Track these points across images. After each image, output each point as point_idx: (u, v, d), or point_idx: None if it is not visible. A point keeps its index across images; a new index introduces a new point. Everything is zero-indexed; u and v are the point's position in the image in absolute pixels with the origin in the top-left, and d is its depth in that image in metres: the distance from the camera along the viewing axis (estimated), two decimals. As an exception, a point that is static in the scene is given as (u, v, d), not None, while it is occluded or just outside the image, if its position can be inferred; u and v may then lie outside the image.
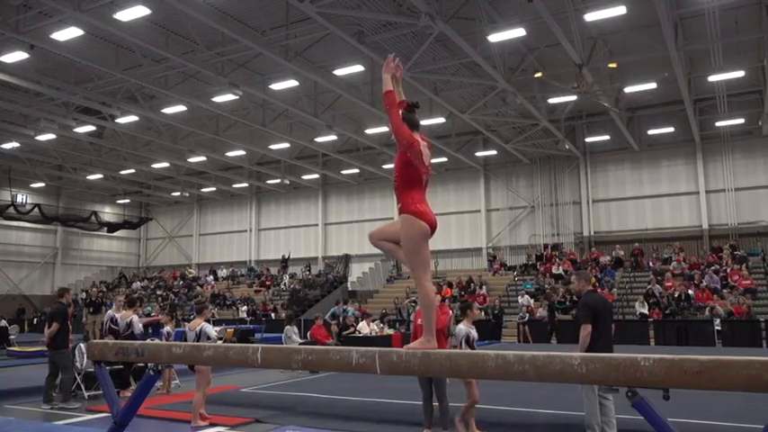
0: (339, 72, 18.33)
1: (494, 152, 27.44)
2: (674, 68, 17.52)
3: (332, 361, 3.61)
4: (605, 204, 26.45)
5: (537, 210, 27.77)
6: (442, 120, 22.83)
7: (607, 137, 25.08)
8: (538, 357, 3.09)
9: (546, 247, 26.54)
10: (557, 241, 26.82)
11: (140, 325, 10.46)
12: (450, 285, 23.96)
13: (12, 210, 30.74)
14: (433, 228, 3.68)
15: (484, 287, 24.13)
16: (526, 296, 21.75)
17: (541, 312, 20.29)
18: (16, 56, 16.39)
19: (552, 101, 21.24)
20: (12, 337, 19.78)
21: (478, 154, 27.87)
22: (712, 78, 19.52)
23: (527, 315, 20.16)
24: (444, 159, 27.90)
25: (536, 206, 27.80)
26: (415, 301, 19.68)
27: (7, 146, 25.96)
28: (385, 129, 24.17)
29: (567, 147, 25.26)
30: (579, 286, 6.39)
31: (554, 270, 24.20)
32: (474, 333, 6.91)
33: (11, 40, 15.88)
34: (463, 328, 6.84)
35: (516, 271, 26.03)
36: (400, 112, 3.94)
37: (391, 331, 16.94)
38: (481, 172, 28.90)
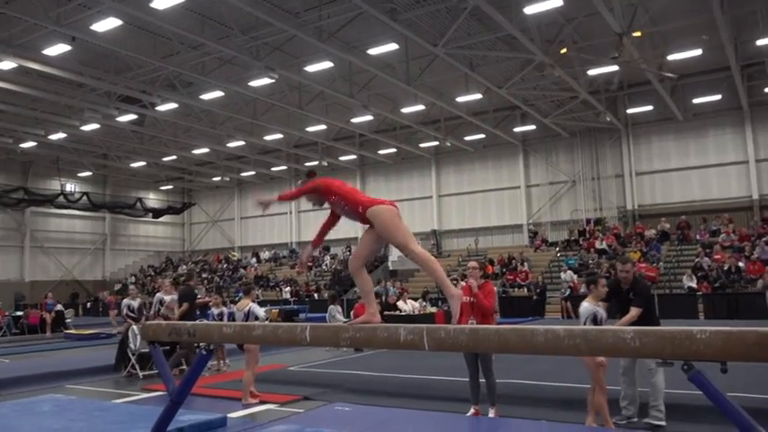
0: (373, 51, 18.20)
1: (532, 127, 27.01)
2: (719, 33, 16.87)
3: (380, 338, 3.65)
4: (649, 177, 25.80)
5: (578, 184, 27.29)
6: (478, 96, 22.54)
7: (650, 107, 24.38)
8: (589, 332, 3.06)
9: (588, 222, 26.11)
10: (599, 216, 26.34)
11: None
12: (491, 262, 23.83)
13: (62, 199, 31.72)
14: (394, 206, 4.14)
15: (525, 264, 23.93)
16: (569, 272, 21.46)
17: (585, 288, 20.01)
18: (59, 48, 16.76)
19: (592, 72, 20.69)
20: (68, 320, 20.52)
21: (517, 129, 27.48)
22: (760, 42, 18.72)
23: (569, 291, 19.93)
24: (482, 136, 27.61)
25: (577, 180, 27.31)
26: (456, 279, 19.64)
27: (54, 137, 26.70)
28: (421, 107, 24.03)
29: (609, 119, 24.66)
30: (631, 270, 6.26)
31: (597, 245, 23.82)
32: (602, 312, 5.84)
33: (53, 33, 16.24)
34: (588, 306, 5.88)
35: (558, 247, 25.71)
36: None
37: (434, 309, 16.97)
38: (520, 147, 28.51)
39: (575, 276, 21.13)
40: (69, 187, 33.79)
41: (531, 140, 28.41)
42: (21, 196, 30.85)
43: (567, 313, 19.42)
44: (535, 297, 20.62)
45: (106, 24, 15.43)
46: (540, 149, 28.30)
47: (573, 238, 25.58)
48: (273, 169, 34.20)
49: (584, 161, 27.14)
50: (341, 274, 28.34)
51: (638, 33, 16.71)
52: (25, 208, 32.44)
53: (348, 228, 33.82)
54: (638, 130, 26.02)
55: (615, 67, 19.47)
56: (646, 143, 25.93)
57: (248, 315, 7.92)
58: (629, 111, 25.21)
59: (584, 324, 5.55)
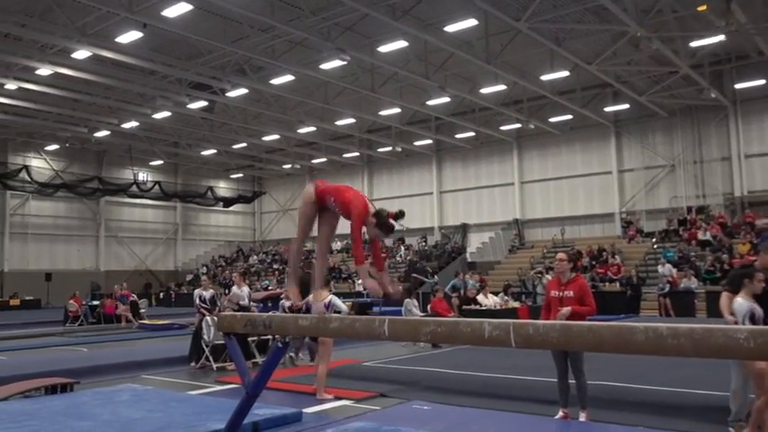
0: (450, 28, 18.05)
1: (626, 106, 26.08)
2: None
3: (462, 333, 3.63)
4: (760, 160, 24.39)
5: (678, 168, 26.17)
6: (565, 73, 21.95)
7: (762, 81, 23.03)
8: (695, 330, 2.94)
9: (689, 210, 25.04)
10: (702, 203, 25.21)
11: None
12: (579, 255, 23.26)
13: (134, 188, 33.39)
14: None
15: (617, 256, 23.23)
16: (667, 265, 20.67)
17: (686, 283, 19.29)
18: (131, 36, 17.59)
19: (694, 44, 19.71)
20: (142, 310, 21.59)
21: (608, 109, 26.62)
22: None
23: (668, 286, 19.20)
24: (569, 117, 26.93)
25: (676, 165, 26.20)
26: (541, 272, 19.34)
27: (127, 125, 28.09)
28: (502, 87, 23.66)
29: (713, 95, 23.46)
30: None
31: (700, 236, 22.81)
32: (759, 310, 5.35)
33: (125, 20, 17.04)
34: (744, 302, 5.38)
35: (655, 238, 24.81)
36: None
37: (516, 304, 16.76)
38: (611, 129, 27.62)
39: (674, 270, 20.35)
40: (141, 176, 35.49)
41: (624, 121, 27.47)
42: (95, 186, 32.68)
43: (665, 311, 18.74)
44: (629, 293, 20.00)
45: (177, 9, 16.06)
46: (634, 131, 27.32)
47: (672, 228, 24.63)
48: (345, 156, 34.63)
49: (685, 143, 25.99)
50: (416, 266, 28.42)
51: (702, 8, 15.79)
52: (100, 197, 34.35)
53: (424, 216, 33.95)
54: (747, 107, 24.63)
55: (721, 37, 18.46)
56: (757, 122, 24.52)
57: (328, 307, 7.93)
58: (738, 86, 23.87)
59: (743, 323, 5.13)
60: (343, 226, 4.62)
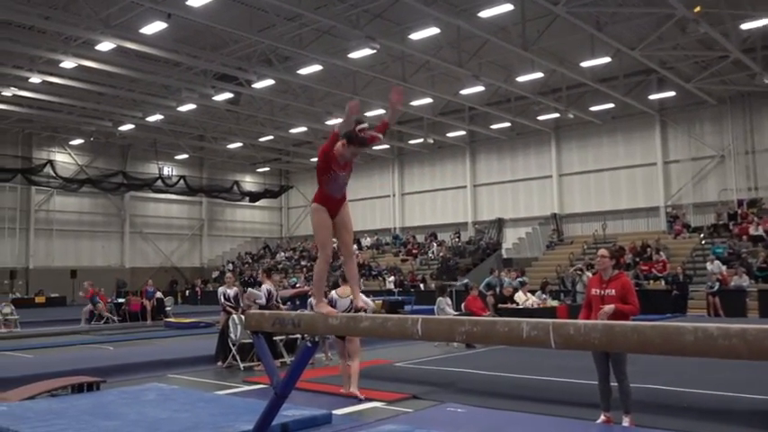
0: (485, 14, 17.92)
1: (671, 93, 25.63)
2: None
3: (499, 333, 3.62)
4: (818, 149, 23.80)
5: (728, 159, 25.64)
6: (607, 59, 21.64)
7: (820, 65, 22.41)
8: (748, 330, 2.88)
9: (740, 203, 24.52)
10: (754, 196, 24.66)
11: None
12: (622, 251, 22.94)
13: (159, 182, 33.92)
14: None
15: (662, 252, 22.89)
16: (716, 262, 20.29)
17: (737, 281, 18.91)
18: (155, 26, 17.84)
19: (745, 26, 19.24)
20: (168, 308, 21.94)
21: (652, 97, 26.18)
22: None
23: (717, 284, 18.85)
24: (610, 106, 26.56)
25: (726, 155, 25.67)
26: (581, 269, 19.14)
27: (152, 118, 28.53)
28: (539, 75, 23.42)
29: (767, 81, 22.90)
30: None
31: (751, 231, 22.34)
32: None
33: (149, 11, 17.29)
34: None
35: (703, 233, 24.38)
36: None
37: (555, 303, 16.63)
38: (656, 118, 27.17)
39: (723, 267, 19.98)
40: (167, 170, 36.06)
41: (669, 109, 27.00)
42: (120, 180, 33.27)
43: (714, 310, 18.41)
44: (674, 291, 19.70)
45: (201, -1, 16.21)
46: (680, 119, 26.84)
47: (721, 222, 24.18)
48: (375, 148, 34.63)
49: (736, 132, 25.45)
50: (448, 263, 28.37)
51: (698, 9, 15.40)
52: (124, 192, 34.97)
53: (457, 211, 33.88)
54: (804, 93, 24.02)
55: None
56: (814, 109, 23.90)
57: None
58: (794, 70, 23.27)
59: None
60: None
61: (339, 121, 29.24)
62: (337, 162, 4.65)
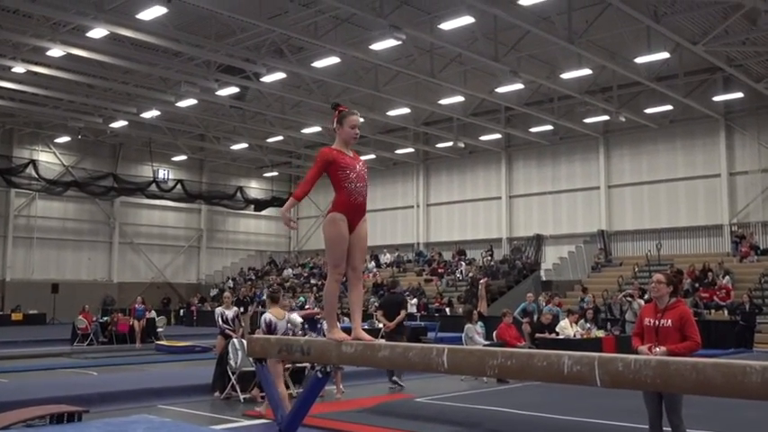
0: (525, 1, 17.93)
1: (739, 95, 25.43)
2: None
3: (537, 368, 3.61)
4: None
5: (804, 171, 25.41)
6: (665, 55, 21.53)
7: None
8: (826, 372, 2.85)
9: (819, 222, 24.23)
10: (835, 214, 24.37)
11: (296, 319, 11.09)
12: (679, 274, 22.74)
13: (154, 187, 34.21)
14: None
15: (726, 277, 22.63)
16: (789, 290, 20.06)
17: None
18: (154, 11, 18.07)
19: (827, 19, 19.13)
20: (159, 329, 22.11)
21: (717, 98, 26.00)
22: None
23: (790, 315, 18.61)
24: (668, 108, 26.39)
25: (803, 167, 25.44)
26: (631, 295, 18.98)
27: (147, 114, 28.86)
28: (587, 71, 23.36)
29: None
30: None
31: (831, 254, 22.02)
32: None
33: (148, -7, 17.57)
34: None
35: (774, 256, 24.12)
36: None
37: (601, 333, 16.49)
38: (721, 122, 26.94)
39: (798, 296, 19.70)
40: (162, 174, 36.40)
41: (736, 113, 26.78)
42: (110, 184, 33.59)
43: (786, 346, 18.16)
44: (739, 323, 19.47)
45: (206, -19, 16.41)
46: (749, 125, 26.60)
47: (796, 244, 23.87)
48: (398, 152, 34.76)
49: (814, 140, 25.20)
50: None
51: None
52: (114, 198, 35.33)
53: (491, 225, 33.80)
54: None
55: None
56: None
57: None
58: None
59: None
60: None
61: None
62: (344, 155, 4.73)
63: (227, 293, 14.15)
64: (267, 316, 8.85)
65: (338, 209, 4.61)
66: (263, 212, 40.12)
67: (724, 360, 3.12)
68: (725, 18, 19.33)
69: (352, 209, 4.63)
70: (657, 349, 6.05)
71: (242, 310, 18.93)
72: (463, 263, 31.60)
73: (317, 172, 4.66)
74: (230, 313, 11.69)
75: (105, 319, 22.42)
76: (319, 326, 12.33)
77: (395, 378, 11.74)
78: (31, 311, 30.58)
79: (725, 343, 18.64)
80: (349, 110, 4.87)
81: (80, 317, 20.95)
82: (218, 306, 12.42)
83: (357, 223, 4.66)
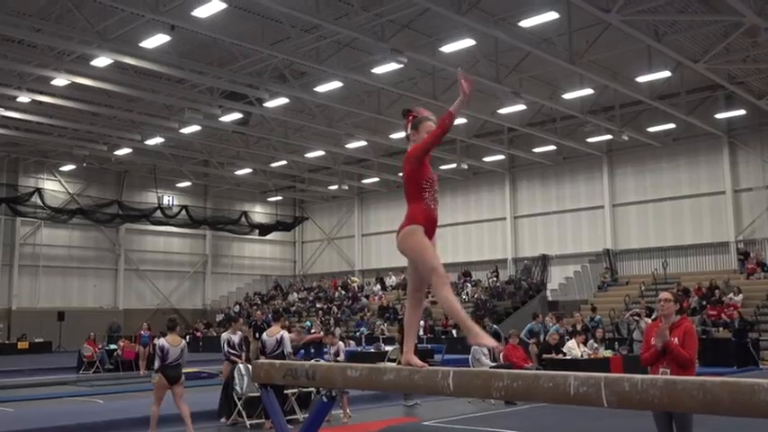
0: (526, 23, 18.03)
1: (741, 112, 25.48)
2: None
3: (543, 389, 3.59)
4: None
5: (809, 187, 25.37)
6: (666, 73, 21.59)
7: None
8: (835, 390, 2.82)
9: (825, 238, 24.14)
10: (841, 230, 24.29)
11: (289, 343, 11.06)
12: (686, 293, 22.65)
13: (158, 213, 34.30)
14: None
15: (733, 295, 22.53)
16: (797, 306, 19.97)
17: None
18: (157, 39, 18.21)
19: (827, 35, 19.18)
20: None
21: (719, 116, 26.04)
22: None
23: (799, 332, 18.50)
24: (671, 126, 26.43)
25: (807, 182, 25.40)
26: (638, 314, 18.89)
27: (151, 141, 28.99)
28: (589, 91, 23.42)
29: None
30: None
31: (838, 270, 21.92)
32: None
33: (151, 22, 17.70)
34: None
35: (780, 272, 24.01)
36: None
37: (608, 353, 16.40)
38: (724, 140, 26.95)
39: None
40: (167, 200, 36.45)
41: (739, 130, 26.80)
42: (115, 211, 33.69)
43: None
44: (733, 339, 19.46)
45: (209, 9, 16.55)
46: (752, 141, 26.61)
47: (802, 260, 23.78)
48: (401, 174, 34.70)
49: (818, 156, 25.19)
50: (485, 305, 28.18)
51: None
52: (119, 224, 35.41)
53: (495, 246, 33.68)
54: None
55: None
56: None
57: (280, 344, 9.46)
58: None
59: None
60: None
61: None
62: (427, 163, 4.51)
63: (240, 320, 14.14)
64: (161, 342, 9.45)
65: (417, 221, 4.27)
66: (268, 237, 40.18)
67: (731, 379, 3.10)
68: (725, 36, 19.40)
69: (430, 221, 4.31)
70: (662, 370, 6.05)
71: (257, 335, 18.81)
72: (469, 284, 31.52)
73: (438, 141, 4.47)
74: (236, 338, 11.67)
75: (112, 346, 22.39)
76: (325, 350, 12.27)
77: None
78: (36, 340, 30.52)
79: (730, 361, 18.60)
80: (424, 115, 4.59)
81: (86, 344, 20.95)
82: (225, 332, 12.39)
83: (432, 237, 4.30)
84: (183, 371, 9.52)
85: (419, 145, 4.43)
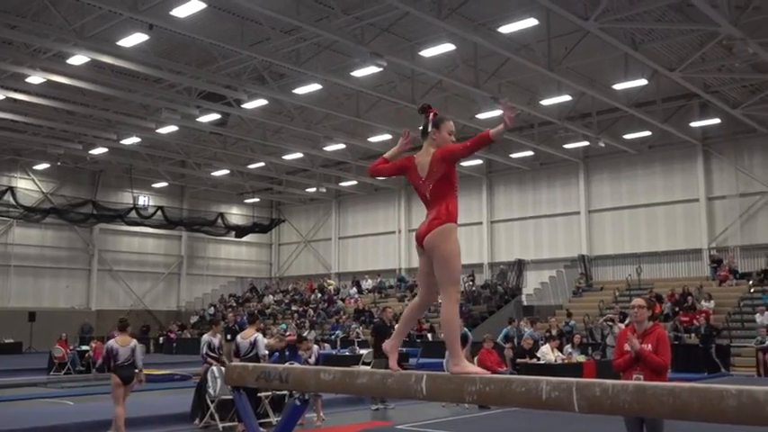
0: (505, 29, 18.15)
1: (716, 121, 25.74)
2: None
3: (515, 394, 3.61)
4: None
5: (781, 196, 25.72)
6: (643, 81, 21.79)
7: None
8: (801, 396, 2.86)
9: (795, 246, 24.48)
10: (811, 238, 24.64)
11: (264, 346, 10.98)
12: (659, 299, 22.86)
13: (134, 214, 33.96)
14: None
15: (708, 301, 22.77)
16: (767, 313, 20.18)
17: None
18: (135, 38, 18.09)
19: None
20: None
21: (694, 124, 26.31)
22: None
23: (769, 339, 18.73)
24: (647, 134, 26.69)
25: (779, 191, 25.75)
26: (612, 320, 19.04)
27: (128, 141, 28.76)
28: (566, 98, 23.58)
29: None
30: None
31: (808, 278, 22.23)
32: None
33: (129, 21, 17.57)
34: None
35: (752, 280, 24.28)
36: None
37: (582, 358, 16.51)
38: (699, 148, 27.26)
39: (776, 320, 19.85)
40: (142, 200, 36.18)
41: (714, 138, 27.11)
42: (89, 211, 33.30)
43: (765, 369, 18.24)
44: (700, 345, 19.75)
45: (188, 9, 16.48)
46: (726, 150, 26.93)
47: (774, 268, 24.10)
48: (380, 178, 34.73)
49: (790, 165, 25.54)
50: (461, 310, 28.23)
51: None
52: (93, 224, 35.00)
53: (472, 251, 33.61)
54: None
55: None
56: None
57: (254, 346, 9.49)
58: None
59: None
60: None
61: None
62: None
63: (222, 323, 14.06)
64: (109, 343, 9.64)
65: (454, 219, 4.15)
66: (244, 238, 39.95)
67: (701, 384, 3.12)
68: (701, 45, 19.62)
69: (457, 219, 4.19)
70: (635, 376, 6.10)
71: (228, 337, 18.69)
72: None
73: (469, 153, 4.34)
74: (217, 341, 11.63)
75: (84, 347, 22.12)
76: (299, 353, 12.23)
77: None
78: (7, 340, 30.05)
79: (700, 367, 18.82)
80: (443, 114, 4.53)
81: (57, 345, 20.70)
82: (205, 334, 12.29)
83: None
84: (157, 373, 9.52)
85: (453, 149, 4.31)
